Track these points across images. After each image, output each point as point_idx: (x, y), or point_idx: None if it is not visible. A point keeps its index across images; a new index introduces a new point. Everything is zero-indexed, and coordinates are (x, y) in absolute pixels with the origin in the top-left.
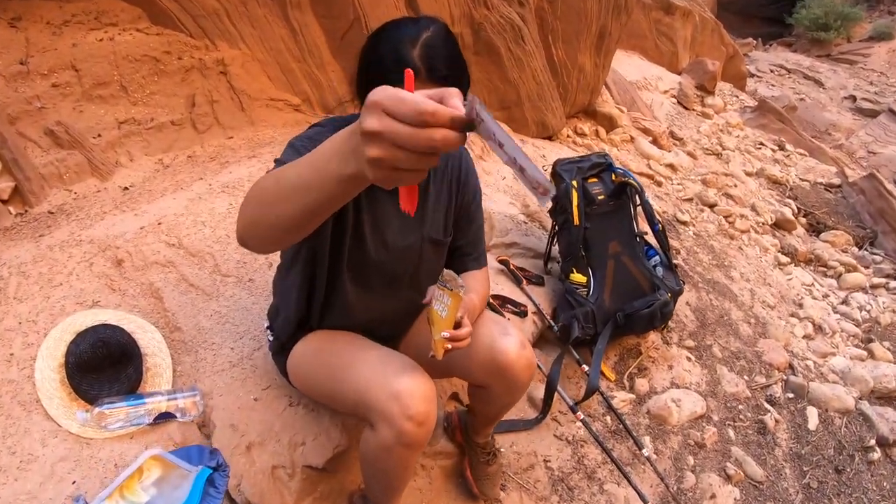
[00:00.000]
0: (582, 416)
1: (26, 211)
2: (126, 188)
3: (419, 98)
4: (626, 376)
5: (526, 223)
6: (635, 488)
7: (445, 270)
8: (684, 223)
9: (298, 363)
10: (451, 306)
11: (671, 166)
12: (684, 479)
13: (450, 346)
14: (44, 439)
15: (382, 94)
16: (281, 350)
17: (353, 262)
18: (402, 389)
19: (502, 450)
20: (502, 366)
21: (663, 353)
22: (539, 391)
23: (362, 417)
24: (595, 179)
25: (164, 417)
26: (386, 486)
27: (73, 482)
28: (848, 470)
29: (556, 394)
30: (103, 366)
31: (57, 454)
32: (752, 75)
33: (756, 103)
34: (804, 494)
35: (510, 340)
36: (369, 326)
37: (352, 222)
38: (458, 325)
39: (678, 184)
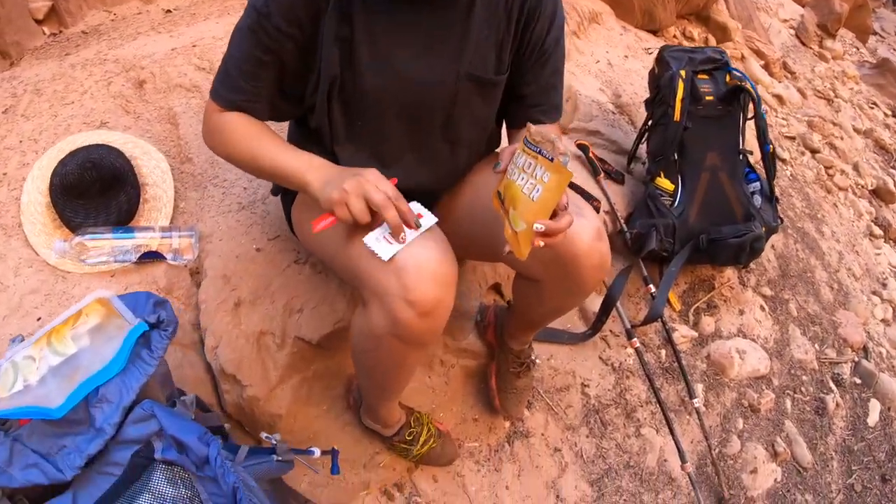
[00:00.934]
0: (637, 344)
1: (60, 31)
2: (169, 11)
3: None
4: (692, 310)
5: (614, 114)
6: (676, 442)
7: (534, 128)
8: (783, 160)
9: (301, 209)
10: (552, 186)
11: (779, 98)
12: (729, 443)
13: (541, 242)
14: (18, 268)
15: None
16: (286, 188)
17: (352, 100)
18: (407, 261)
19: (538, 362)
20: (567, 257)
21: (737, 295)
22: (594, 303)
23: (357, 291)
24: (706, 76)
25: (151, 257)
26: (374, 385)
27: (38, 318)
28: (894, 482)
29: (612, 310)
30: (91, 191)
31: (28, 285)
32: (875, 33)
33: (876, 61)
34: (845, 496)
35: (584, 225)
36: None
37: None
38: (553, 214)
39: (783, 118)
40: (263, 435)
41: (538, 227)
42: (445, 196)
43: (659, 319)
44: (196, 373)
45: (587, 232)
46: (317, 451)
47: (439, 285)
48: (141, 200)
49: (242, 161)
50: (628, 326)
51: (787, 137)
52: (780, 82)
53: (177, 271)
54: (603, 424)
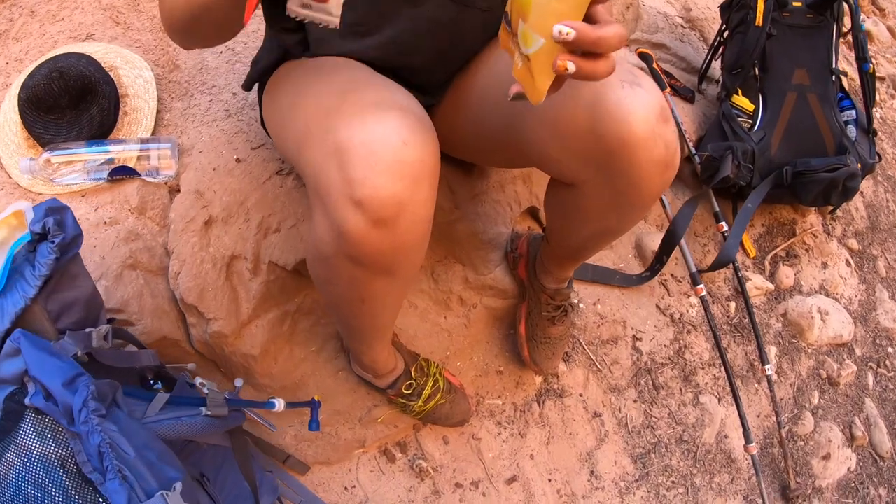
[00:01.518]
0: (703, 292)
1: None
2: None
3: None
4: (769, 258)
5: (683, 27)
6: (742, 417)
7: None
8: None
9: (271, 95)
10: None
11: (868, 34)
12: (801, 420)
13: (570, 65)
14: None
15: None
16: (261, 79)
17: None
18: (351, 139)
19: (581, 305)
20: (616, 144)
21: (821, 245)
22: (652, 238)
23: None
24: None
25: (124, 173)
26: (345, 326)
27: None
28: None
29: (676, 249)
30: (60, 103)
31: None
32: None
33: None
34: None
35: (641, 99)
36: (383, 53)
37: None
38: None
39: (871, 57)
40: (198, 381)
41: (562, 31)
42: (455, 80)
43: (731, 265)
44: (158, 303)
45: (645, 108)
46: (279, 404)
47: (401, 178)
48: (120, 113)
49: (177, 8)
50: (694, 270)
51: (876, 78)
52: (868, 17)
53: (152, 189)
54: (655, 388)
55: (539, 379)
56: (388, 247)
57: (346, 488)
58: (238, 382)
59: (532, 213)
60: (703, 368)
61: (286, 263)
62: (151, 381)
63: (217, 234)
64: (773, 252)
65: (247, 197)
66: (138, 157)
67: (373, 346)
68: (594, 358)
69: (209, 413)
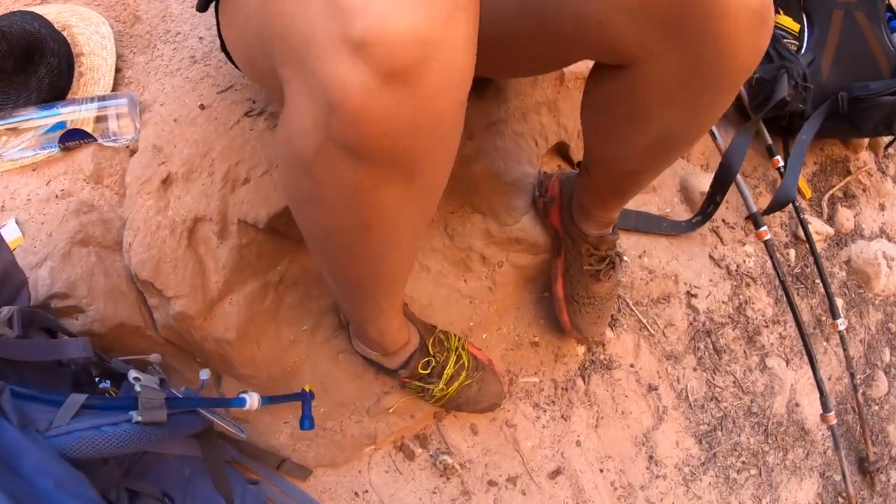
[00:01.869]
0: (768, 235)
1: None
2: None
3: None
4: (826, 199)
5: None
6: (819, 383)
7: None
8: None
9: (227, 4)
10: None
11: None
12: (874, 381)
13: None
14: None
15: None
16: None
17: None
18: None
19: (626, 259)
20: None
21: (876, 184)
22: (699, 179)
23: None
24: None
25: (75, 138)
26: (340, 281)
27: None
28: None
29: (730, 187)
30: (5, 68)
31: None
32: None
33: None
34: None
35: None
36: None
37: None
38: None
39: None
40: (132, 375)
41: None
42: None
43: (791, 205)
44: (113, 284)
45: None
46: (250, 399)
47: (425, 3)
48: (75, 74)
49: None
50: (754, 210)
51: None
52: None
53: (110, 153)
54: (716, 352)
55: (582, 349)
56: (406, 119)
57: (356, 494)
58: (203, 374)
59: (561, 150)
60: (766, 327)
61: (257, 220)
62: (97, 379)
63: (177, 195)
64: (830, 192)
65: (211, 147)
66: (96, 119)
67: (381, 308)
68: (644, 320)
69: (141, 419)
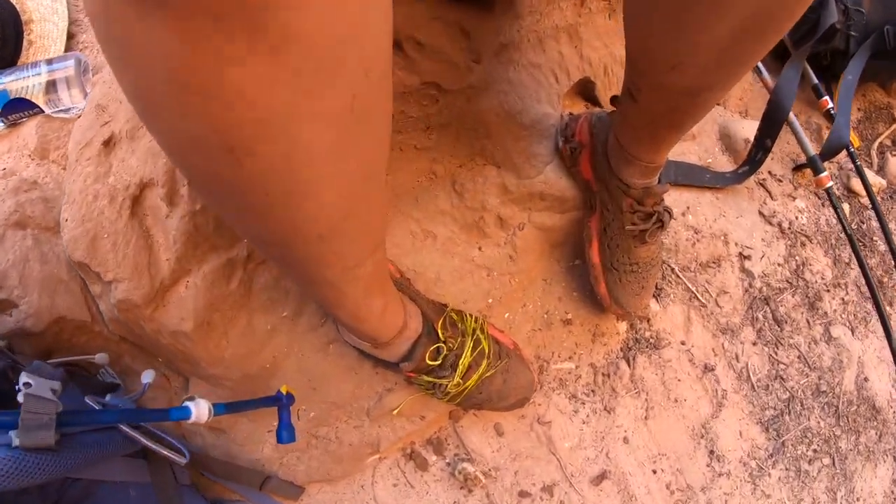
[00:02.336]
0: (830, 182)
1: None
2: None
3: None
4: (875, 147)
5: None
6: (893, 346)
7: None
8: None
9: None
10: None
11: None
12: None
13: None
14: None
15: None
16: None
17: None
18: None
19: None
20: None
21: None
22: (742, 125)
23: None
24: None
25: (18, 109)
26: (235, 227)
27: None
28: None
29: (780, 130)
30: None
31: None
32: None
33: None
34: None
35: None
36: None
37: None
38: None
39: None
40: (23, 380)
41: None
42: None
43: (846, 151)
44: (51, 271)
45: None
46: (197, 409)
47: None
48: (24, 43)
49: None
50: (812, 153)
51: None
52: None
53: (56, 125)
54: (777, 322)
55: (623, 326)
56: None
57: None
58: (146, 377)
59: (585, 90)
60: (828, 291)
61: None
62: (18, 386)
63: (120, 157)
64: (878, 141)
65: None
66: (46, 89)
67: (338, 287)
68: (694, 289)
69: (19, 444)
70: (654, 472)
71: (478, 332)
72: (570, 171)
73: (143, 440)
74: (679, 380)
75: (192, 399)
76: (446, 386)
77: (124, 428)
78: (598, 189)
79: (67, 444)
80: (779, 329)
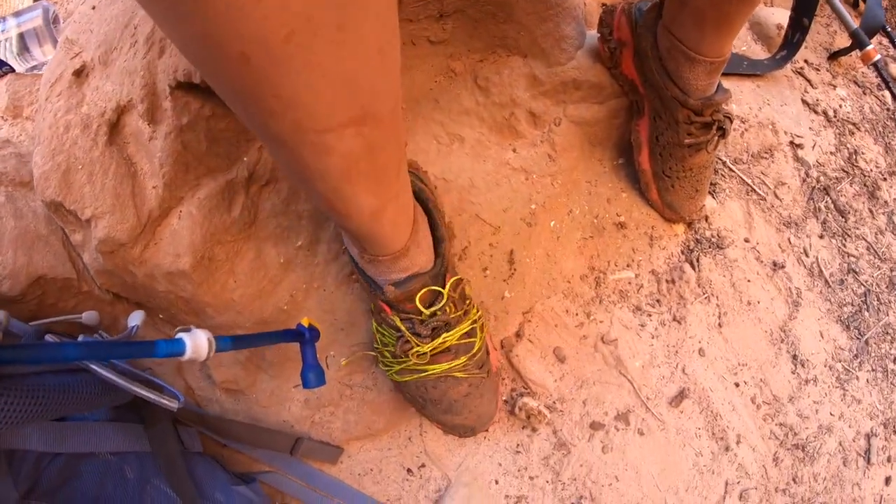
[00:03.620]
0: (877, 56)
1: None
2: None
3: None
4: None
5: None
6: None
7: None
8: None
9: None
10: None
11: None
12: None
13: None
14: None
15: None
16: None
17: None
18: None
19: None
20: None
21: None
22: (772, 12)
23: None
24: None
25: None
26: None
27: None
28: None
29: (816, 10)
30: None
31: None
32: None
33: None
34: None
35: None
36: None
37: None
38: None
39: None
40: None
41: None
42: None
43: (882, 31)
44: (27, 226)
45: None
46: (192, 342)
47: None
48: None
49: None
50: (854, 26)
51: None
52: None
53: (28, 81)
54: (840, 213)
55: (681, 226)
56: None
57: (409, 471)
58: (133, 319)
59: None
60: (885, 180)
61: (192, 71)
62: None
63: (94, 86)
64: None
65: (133, 14)
66: (17, 43)
67: (338, 190)
68: (750, 181)
69: None
70: (737, 385)
71: (477, 325)
72: (611, 72)
73: (119, 380)
74: (749, 280)
75: (186, 329)
76: (409, 349)
77: (95, 367)
78: (647, 92)
79: (11, 387)
80: (843, 220)
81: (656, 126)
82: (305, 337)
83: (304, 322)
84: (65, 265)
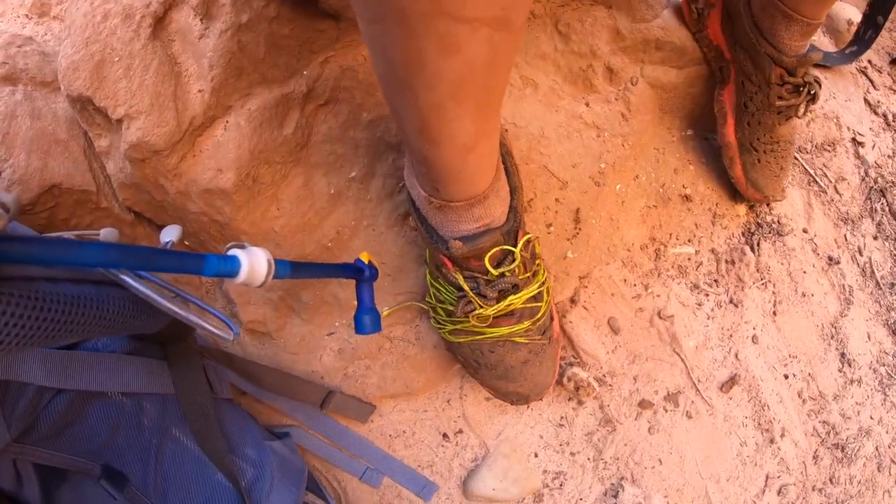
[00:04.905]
0: None
1: None
2: None
3: None
4: None
5: None
6: None
7: None
8: None
9: None
10: None
11: None
12: None
13: None
14: None
15: None
16: None
17: None
18: None
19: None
20: None
21: None
22: (842, 7)
23: None
24: None
25: None
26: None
27: None
28: None
29: (893, 8)
30: None
31: None
32: None
33: None
34: None
35: None
36: None
37: None
38: None
39: None
40: None
41: None
42: None
43: None
44: (45, 128)
45: None
46: (248, 259)
47: None
48: None
49: None
50: None
51: None
52: None
53: None
54: (894, 216)
55: (742, 208)
56: None
57: (445, 436)
58: (168, 233)
59: None
60: None
61: None
62: None
63: None
64: None
65: None
66: None
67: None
68: (812, 171)
69: None
70: (787, 376)
71: (544, 288)
72: (696, 36)
73: (161, 299)
74: (804, 272)
75: (240, 246)
76: (471, 311)
77: (128, 279)
78: (735, 57)
79: (14, 292)
80: None
81: (744, 91)
82: (365, 274)
83: (364, 258)
84: (84, 175)
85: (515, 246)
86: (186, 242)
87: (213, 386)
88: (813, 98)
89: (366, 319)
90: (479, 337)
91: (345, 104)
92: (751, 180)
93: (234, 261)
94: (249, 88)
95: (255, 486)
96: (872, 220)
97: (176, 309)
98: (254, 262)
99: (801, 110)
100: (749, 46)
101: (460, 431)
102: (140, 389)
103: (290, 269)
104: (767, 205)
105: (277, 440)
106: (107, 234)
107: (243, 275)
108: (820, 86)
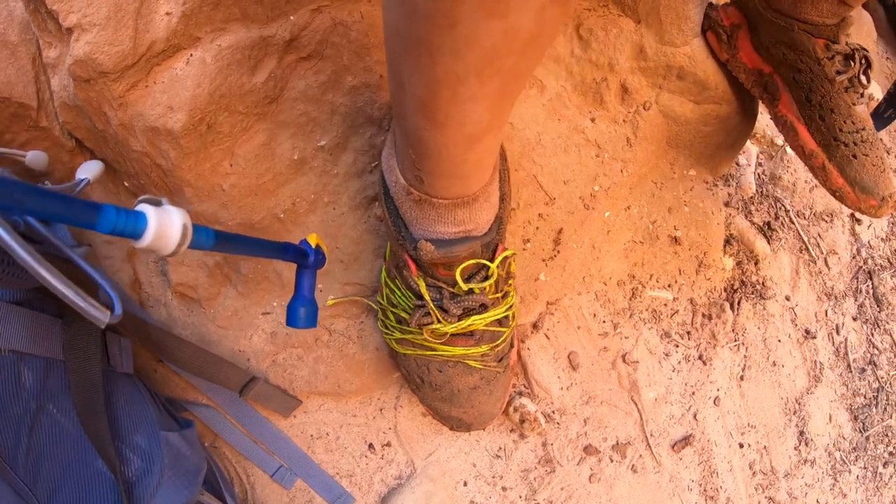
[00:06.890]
0: None
1: None
2: None
3: None
4: None
5: None
6: None
7: None
8: None
9: None
10: None
11: None
12: None
13: None
14: None
15: None
16: None
17: None
18: None
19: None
20: None
21: None
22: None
23: None
24: None
25: None
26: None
27: None
28: None
29: None
30: None
31: None
32: None
33: None
34: None
35: None
36: None
37: None
38: None
39: None
40: None
41: None
42: None
43: None
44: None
45: None
46: (161, 217)
47: None
48: None
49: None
50: None
51: None
52: None
53: None
54: (876, 301)
55: (730, 262)
56: None
57: (371, 446)
58: (85, 170)
59: None
60: None
61: None
62: None
63: None
64: None
65: None
66: None
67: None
68: (806, 239)
69: None
70: (742, 445)
71: (511, 312)
72: (730, 63)
73: (25, 255)
74: (780, 340)
75: (155, 202)
76: (427, 324)
77: None
78: (775, 62)
79: None
80: (878, 309)
81: (800, 86)
82: (309, 259)
83: (312, 240)
84: (26, 87)
85: (492, 261)
86: (126, 184)
87: (110, 358)
88: (869, 64)
89: (301, 311)
90: (428, 353)
91: (329, 62)
92: (856, 182)
93: (140, 218)
94: (225, 23)
95: (141, 480)
96: (856, 300)
97: (40, 270)
98: (164, 225)
99: (865, 80)
100: (783, 37)
101: (388, 444)
102: (21, 348)
103: (214, 241)
104: (755, 264)
105: (177, 431)
106: (33, 157)
107: (148, 238)
108: (868, 52)
